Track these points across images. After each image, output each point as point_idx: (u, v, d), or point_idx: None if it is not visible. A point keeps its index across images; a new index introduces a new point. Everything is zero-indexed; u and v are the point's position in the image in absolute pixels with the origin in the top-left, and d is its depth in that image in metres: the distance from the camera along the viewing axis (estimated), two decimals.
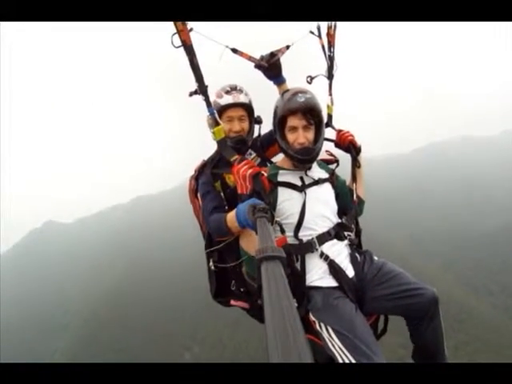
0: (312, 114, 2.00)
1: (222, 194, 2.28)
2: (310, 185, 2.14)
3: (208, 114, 2.03)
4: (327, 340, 1.77)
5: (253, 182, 1.85)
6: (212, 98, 2.29)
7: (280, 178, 2.13)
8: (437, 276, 53.28)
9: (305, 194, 2.09)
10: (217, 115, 2.07)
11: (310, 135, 2.04)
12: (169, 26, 1.74)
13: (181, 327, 51.67)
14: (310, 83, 2.49)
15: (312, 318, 1.90)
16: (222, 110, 2.32)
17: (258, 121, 2.52)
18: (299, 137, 2.01)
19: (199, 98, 1.95)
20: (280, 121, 2.06)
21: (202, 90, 1.91)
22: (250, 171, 1.85)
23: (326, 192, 2.21)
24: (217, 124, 2.01)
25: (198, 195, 2.37)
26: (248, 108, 2.40)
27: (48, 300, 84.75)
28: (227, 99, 2.31)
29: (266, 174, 1.96)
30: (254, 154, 2.55)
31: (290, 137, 2.04)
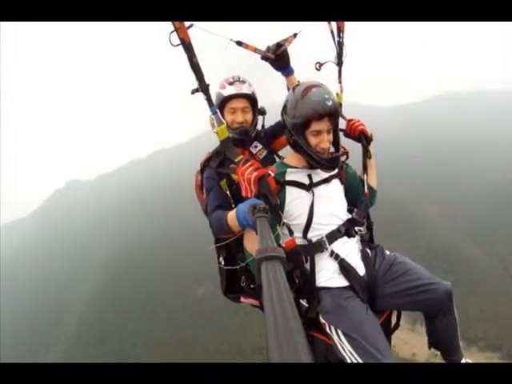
0: (335, 117, 1.94)
1: (227, 191, 2.26)
2: (319, 183, 2.07)
3: (210, 113, 1.95)
4: (337, 343, 1.76)
5: (258, 184, 1.79)
6: (216, 90, 2.27)
7: (288, 177, 2.05)
8: (433, 223, 54.35)
9: (313, 193, 2.02)
10: (220, 114, 2.01)
11: (331, 137, 1.99)
12: (166, 23, 1.66)
13: (194, 266, 55.04)
14: (318, 70, 2.41)
15: (322, 320, 1.88)
16: (225, 100, 2.27)
17: (262, 112, 2.47)
18: (323, 141, 1.93)
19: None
20: (303, 124, 1.92)
21: (203, 89, 1.85)
22: (255, 174, 1.78)
23: (335, 189, 2.15)
24: (219, 123, 1.94)
25: (203, 190, 2.34)
26: (251, 99, 2.34)
27: (72, 255, 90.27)
28: (230, 90, 2.26)
29: (272, 174, 1.90)
30: (260, 146, 2.49)
31: (313, 140, 1.93)
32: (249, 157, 1.94)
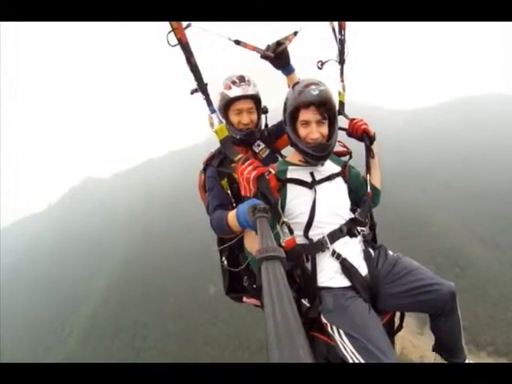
0: (326, 108, 1.89)
1: (228, 190, 2.26)
2: (321, 181, 2.05)
3: (209, 113, 1.92)
4: (339, 343, 1.73)
5: (257, 183, 1.76)
6: (220, 89, 2.27)
7: (289, 175, 2.03)
8: (445, 227, 53.65)
9: (315, 191, 1.99)
10: (219, 113, 1.98)
11: (324, 130, 1.93)
12: (163, 24, 1.69)
13: (207, 264, 55.84)
14: (320, 69, 2.37)
15: (324, 320, 1.86)
16: (231, 102, 2.25)
17: (265, 111, 2.45)
18: (312, 132, 1.90)
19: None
20: (292, 114, 1.93)
21: (201, 88, 1.83)
22: (254, 173, 1.74)
23: (338, 188, 2.12)
24: (219, 122, 1.91)
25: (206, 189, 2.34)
26: (256, 100, 2.33)
27: (86, 251, 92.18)
28: (236, 91, 2.23)
29: (273, 172, 1.87)
30: (262, 145, 2.48)
31: (303, 131, 1.93)
32: (248, 156, 1.91)
